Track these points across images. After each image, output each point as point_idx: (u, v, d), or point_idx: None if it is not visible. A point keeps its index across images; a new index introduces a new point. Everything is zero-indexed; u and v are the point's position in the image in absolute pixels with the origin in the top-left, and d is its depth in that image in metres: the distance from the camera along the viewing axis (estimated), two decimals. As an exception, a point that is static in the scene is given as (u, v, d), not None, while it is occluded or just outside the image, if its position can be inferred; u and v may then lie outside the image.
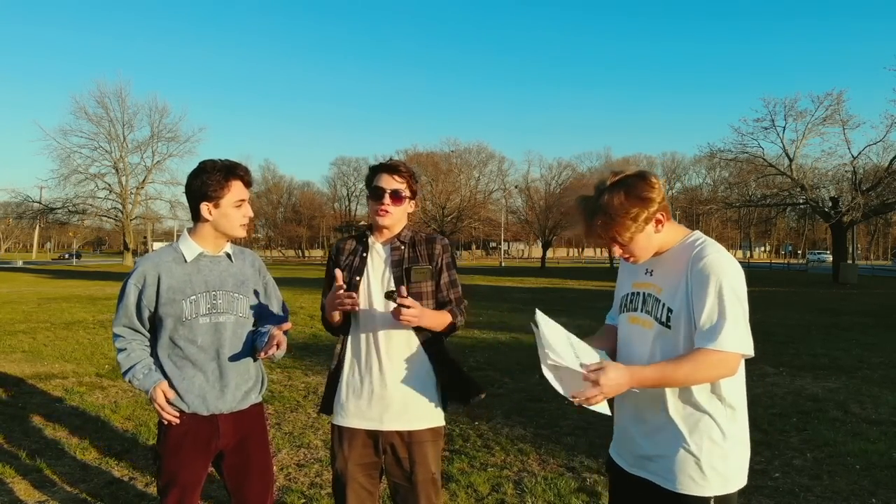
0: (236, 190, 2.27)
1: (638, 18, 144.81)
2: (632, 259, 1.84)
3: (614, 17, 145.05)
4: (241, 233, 2.33)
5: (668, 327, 1.77)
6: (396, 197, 2.32)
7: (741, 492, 1.83)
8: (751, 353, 1.69)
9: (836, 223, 29.70)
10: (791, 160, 31.19)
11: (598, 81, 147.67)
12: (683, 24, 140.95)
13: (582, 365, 1.69)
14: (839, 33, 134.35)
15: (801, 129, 31.15)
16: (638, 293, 1.90)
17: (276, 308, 2.50)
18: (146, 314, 2.30)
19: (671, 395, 1.77)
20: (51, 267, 47.46)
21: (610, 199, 1.72)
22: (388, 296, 2.12)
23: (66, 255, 75.85)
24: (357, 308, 2.24)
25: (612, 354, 1.95)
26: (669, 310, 1.77)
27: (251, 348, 2.37)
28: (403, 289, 2.13)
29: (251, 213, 2.35)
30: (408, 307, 2.08)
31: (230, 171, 2.26)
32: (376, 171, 2.37)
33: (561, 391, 1.70)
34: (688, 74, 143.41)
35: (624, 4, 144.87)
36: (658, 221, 1.77)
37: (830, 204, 30.51)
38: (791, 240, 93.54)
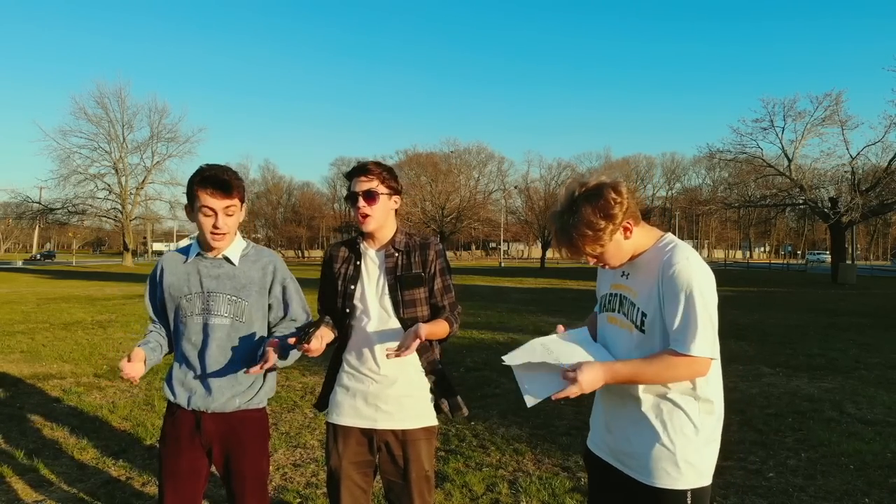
0: (203, 197, 2.25)
1: (638, 18, 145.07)
2: (606, 266, 1.88)
3: (614, 16, 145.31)
4: (213, 242, 2.30)
5: (643, 331, 1.81)
6: (369, 197, 2.28)
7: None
8: (717, 357, 1.75)
9: (835, 223, 29.75)
10: (790, 160, 31.24)
11: (597, 81, 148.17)
12: (683, 25, 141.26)
13: (560, 365, 1.76)
14: (838, 33, 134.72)
15: (800, 130, 31.28)
16: (616, 294, 1.94)
17: (296, 313, 2.45)
18: (158, 304, 2.45)
19: (645, 392, 1.82)
20: (46, 267, 47.40)
21: (576, 215, 1.76)
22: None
23: (38, 256, 69.17)
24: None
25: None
26: (644, 314, 1.81)
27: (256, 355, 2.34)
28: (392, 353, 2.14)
29: (221, 225, 2.27)
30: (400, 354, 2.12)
31: (203, 180, 2.25)
32: (349, 177, 2.36)
33: (531, 398, 1.83)
34: (688, 74, 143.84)
35: (624, 4, 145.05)
36: (626, 229, 1.80)
37: (829, 204, 30.54)
38: (790, 240, 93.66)
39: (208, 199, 2.25)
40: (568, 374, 1.70)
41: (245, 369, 2.24)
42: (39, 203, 52.47)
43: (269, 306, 2.43)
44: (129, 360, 2.23)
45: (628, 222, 1.79)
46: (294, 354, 2.33)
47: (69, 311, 14.08)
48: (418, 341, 2.11)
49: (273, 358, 2.20)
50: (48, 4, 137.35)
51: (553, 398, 1.73)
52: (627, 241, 1.82)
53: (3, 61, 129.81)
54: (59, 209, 52.07)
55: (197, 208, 2.27)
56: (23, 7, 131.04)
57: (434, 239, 2.46)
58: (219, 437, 2.34)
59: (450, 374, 2.47)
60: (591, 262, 1.85)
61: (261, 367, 2.17)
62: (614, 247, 1.80)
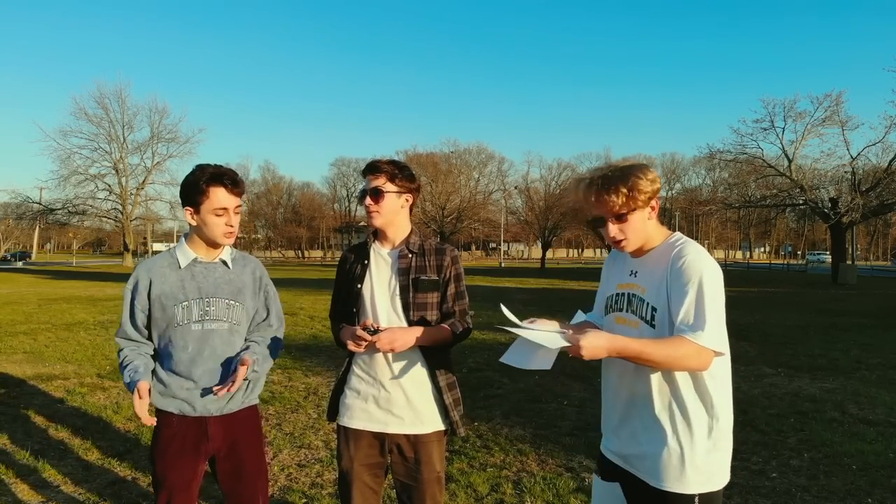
0: (216, 197, 2.21)
1: (638, 18, 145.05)
2: (623, 242, 1.88)
3: (614, 16, 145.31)
4: (225, 241, 2.27)
5: (653, 326, 1.81)
6: (376, 195, 2.30)
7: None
8: (725, 351, 1.73)
9: (835, 224, 29.76)
10: (790, 161, 31.24)
11: (597, 81, 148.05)
12: (683, 24, 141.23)
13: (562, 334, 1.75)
14: (838, 33, 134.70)
15: (800, 130, 31.28)
16: (623, 294, 1.94)
17: (273, 318, 2.47)
18: (142, 319, 2.29)
19: (656, 394, 1.82)
20: (46, 268, 47.40)
21: (620, 173, 1.82)
22: (366, 329, 2.18)
23: (9, 257, 64.50)
24: (363, 347, 2.22)
25: None
26: (654, 308, 1.81)
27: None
28: (371, 325, 2.19)
29: (234, 223, 2.26)
30: (376, 340, 2.15)
31: (214, 177, 2.20)
32: (362, 175, 2.39)
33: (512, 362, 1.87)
34: (688, 74, 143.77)
35: (624, 3, 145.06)
36: (653, 209, 1.85)
37: (830, 205, 30.55)
38: (790, 240, 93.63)
39: (223, 197, 2.22)
40: (571, 337, 1.68)
41: (213, 388, 2.22)
42: (40, 203, 52.51)
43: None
44: (140, 398, 2.11)
45: (656, 202, 1.85)
46: (269, 364, 2.35)
47: (71, 311, 14.09)
48: (383, 346, 2.16)
49: (240, 379, 2.20)
50: (48, 4, 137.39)
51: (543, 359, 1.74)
52: (650, 221, 1.87)
53: (3, 61, 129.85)
54: (59, 209, 52.13)
55: (207, 208, 2.21)
56: (23, 6, 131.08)
57: (449, 245, 2.46)
58: (225, 439, 2.34)
59: (454, 391, 2.42)
60: (613, 232, 1.85)
61: (227, 389, 2.17)
62: (640, 219, 1.84)
